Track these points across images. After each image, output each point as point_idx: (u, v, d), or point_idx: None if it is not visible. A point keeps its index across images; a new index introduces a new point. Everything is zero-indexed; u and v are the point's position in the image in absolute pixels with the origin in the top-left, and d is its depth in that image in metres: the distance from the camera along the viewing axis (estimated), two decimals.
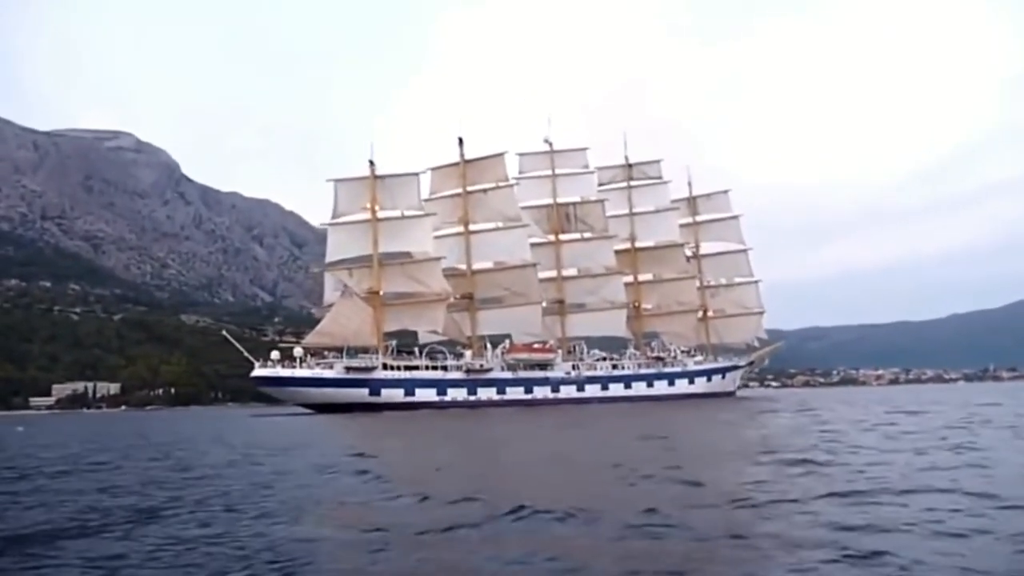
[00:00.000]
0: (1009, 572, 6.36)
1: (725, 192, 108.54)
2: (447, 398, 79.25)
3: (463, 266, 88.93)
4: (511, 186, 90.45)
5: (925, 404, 45.71)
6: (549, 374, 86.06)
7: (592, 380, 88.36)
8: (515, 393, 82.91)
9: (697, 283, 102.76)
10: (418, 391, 78.49)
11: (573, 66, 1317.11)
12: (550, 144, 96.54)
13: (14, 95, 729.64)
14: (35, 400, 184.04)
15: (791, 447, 17.58)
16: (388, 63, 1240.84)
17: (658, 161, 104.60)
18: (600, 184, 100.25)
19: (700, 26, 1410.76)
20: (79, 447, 29.01)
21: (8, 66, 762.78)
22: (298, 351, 76.51)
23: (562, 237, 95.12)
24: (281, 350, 77.83)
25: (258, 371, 74.82)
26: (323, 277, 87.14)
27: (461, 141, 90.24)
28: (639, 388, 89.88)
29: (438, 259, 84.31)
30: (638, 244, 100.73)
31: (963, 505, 9.22)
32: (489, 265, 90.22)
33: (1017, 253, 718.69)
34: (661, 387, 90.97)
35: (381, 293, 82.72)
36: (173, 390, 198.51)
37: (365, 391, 75.59)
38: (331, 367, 75.98)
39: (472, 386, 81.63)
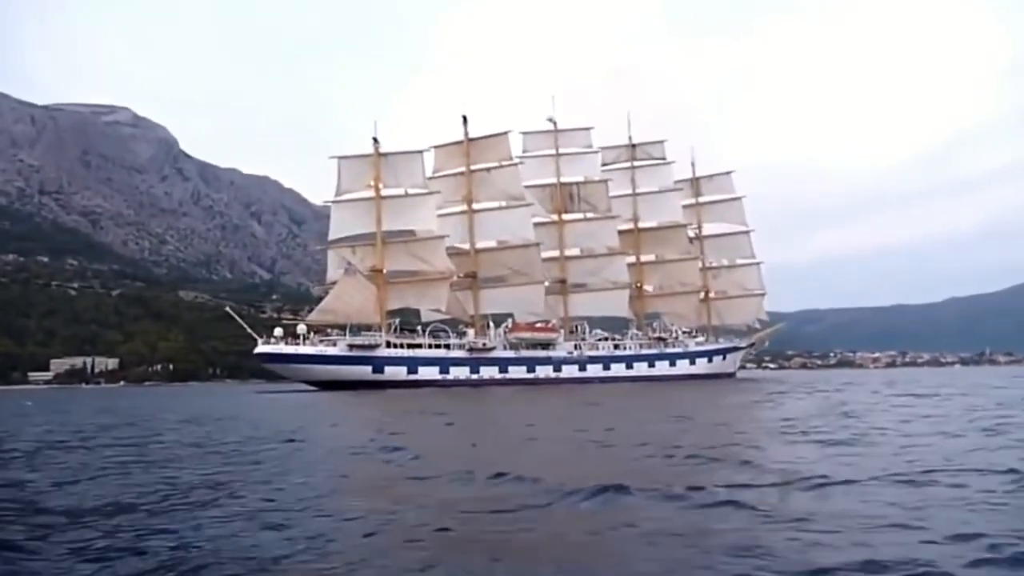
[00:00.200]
0: None
1: (728, 173, 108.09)
2: (450, 376, 79.35)
3: (466, 245, 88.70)
4: (515, 165, 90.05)
5: (933, 387, 45.69)
6: (551, 353, 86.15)
7: (594, 360, 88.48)
8: (517, 372, 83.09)
9: (699, 264, 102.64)
10: (421, 369, 78.55)
11: (574, 53, 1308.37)
12: (554, 123, 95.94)
13: (11, 69, 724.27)
14: (33, 375, 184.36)
15: (820, 428, 17.51)
16: (391, 53, 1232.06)
17: (662, 141, 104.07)
18: (604, 164, 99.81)
19: (704, 7, 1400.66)
20: (124, 419, 28.87)
21: (5, 40, 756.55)
22: (301, 328, 76.41)
23: (565, 217, 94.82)
24: (284, 327, 77.84)
25: (261, 348, 74.73)
26: (326, 254, 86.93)
27: (465, 119, 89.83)
28: (640, 368, 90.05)
29: (442, 237, 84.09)
30: (641, 224, 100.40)
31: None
32: (492, 244, 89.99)
33: (1016, 238, 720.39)
34: (662, 367, 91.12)
35: (384, 271, 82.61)
36: (171, 366, 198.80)
37: (368, 369, 75.64)
38: (334, 344, 75.95)
39: (475, 365, 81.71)
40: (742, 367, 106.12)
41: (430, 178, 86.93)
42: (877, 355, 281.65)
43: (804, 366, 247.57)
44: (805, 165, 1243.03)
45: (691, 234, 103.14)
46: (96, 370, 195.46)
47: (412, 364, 78.49)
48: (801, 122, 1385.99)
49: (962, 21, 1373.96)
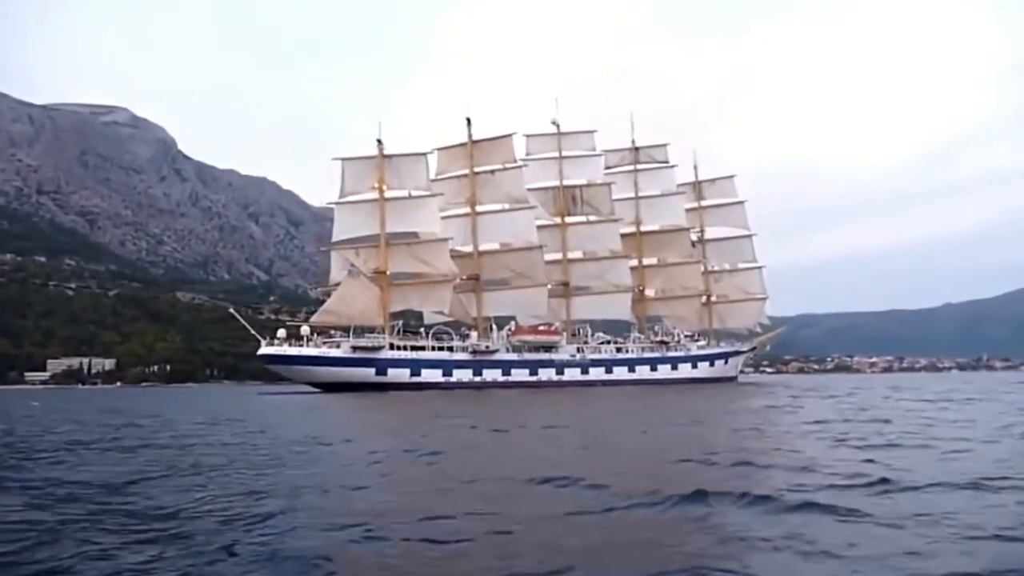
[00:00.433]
0: None
1: (730, 177, 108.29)
2: (452, 379, 79.22)
3: (470, 247, 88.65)
4: (519, 167, 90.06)
5: (943, 392, 45.62)
6: (554, 356, 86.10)
7: (596, 363, 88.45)
8: (520, 375, 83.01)
9: (701, 268, 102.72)
10: (424, 371, 78.40)
11: (574, 53, 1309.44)
12: (557, 126, 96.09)
13: (9, 68, 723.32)
14: (30, 375, 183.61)
15: (852, 433, 17.35)
16: (391, 53, 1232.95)
17: (664, 145, 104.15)
18: (607, 167, 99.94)
19: (704, 7, 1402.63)
20: (146, 420, 28.56)
21: (4, 40, 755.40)
22: (305, 329, 76.25)
23: (568, 220, 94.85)
24: (287, 328, 77.68)
25: (265, 349, 74.51)
26: (326, 256, 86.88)
27: (469, 121, 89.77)
28: (643, 372, 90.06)
29: (445, 240, 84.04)
30: (643, 228, 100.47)
31: None
32: (495, 246, 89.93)
33: (1012, 243, 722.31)
34: (664, 371, 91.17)
35: (388, 273, 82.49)
36: (168, 367, 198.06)
37: (372, 371, 75.46)
38: (337, 346, 75.77)
39: (478, 367, 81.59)
40: (741, 371, 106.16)
41: (433, 180, 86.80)
42: (874, 360, 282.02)
43: (801, 370, 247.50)
44: (805, 165, 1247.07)
45: (693, 238, 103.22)
46: (93, 371, 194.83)
47: (415, 367, 78.31)
48: (801, 122, 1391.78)
49: (962, 21, 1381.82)
